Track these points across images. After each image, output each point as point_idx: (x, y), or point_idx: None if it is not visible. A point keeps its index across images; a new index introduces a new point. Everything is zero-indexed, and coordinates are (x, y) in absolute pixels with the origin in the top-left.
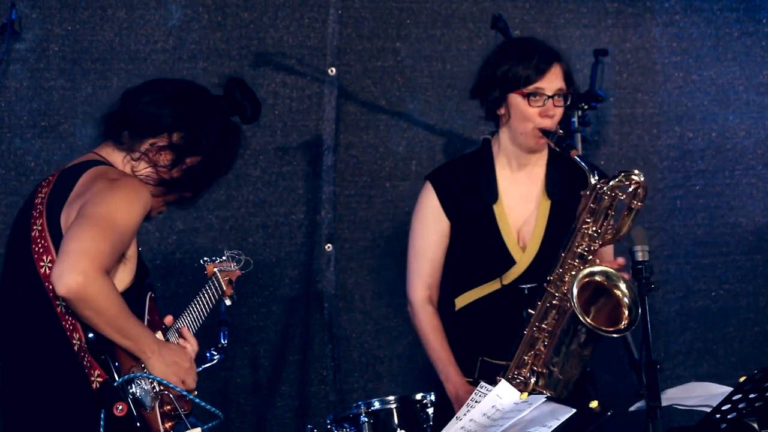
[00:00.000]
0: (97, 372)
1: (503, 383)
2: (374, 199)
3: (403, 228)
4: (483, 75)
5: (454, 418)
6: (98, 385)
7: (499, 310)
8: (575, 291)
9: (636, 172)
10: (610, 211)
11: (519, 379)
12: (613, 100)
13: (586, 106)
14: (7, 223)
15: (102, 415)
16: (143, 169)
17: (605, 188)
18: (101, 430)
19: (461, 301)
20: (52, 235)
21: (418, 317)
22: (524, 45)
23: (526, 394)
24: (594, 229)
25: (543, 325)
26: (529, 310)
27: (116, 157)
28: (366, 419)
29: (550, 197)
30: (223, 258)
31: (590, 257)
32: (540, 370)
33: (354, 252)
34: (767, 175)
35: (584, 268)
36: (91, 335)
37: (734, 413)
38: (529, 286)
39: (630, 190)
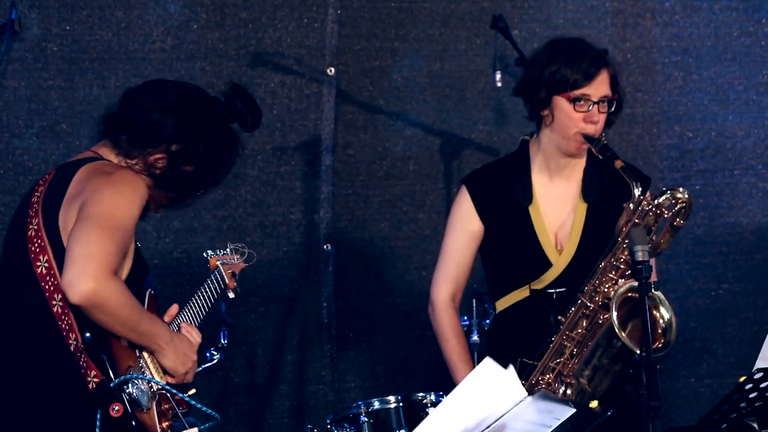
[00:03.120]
0: (93, 372)
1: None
2: (372, 198)
3: (400, 228)
4: (529, 74)
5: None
6: (94, 386)
7: (530, 314)
8: (615, 305)
9: (681, 190)
10: (653, 227)
11: (542, 384)
12: None
13: None
14: (5, 223)
15: (98, 416)
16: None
17: (652, 206)
18: (97, 430)
19: (501, 304)
20: (49, 234)
21: (438, 317)
22: (573, 46)
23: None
24: None
25: (573, 334)
26: (559, 317)
27: (112, 157)
28: (366, 419)
29: (587, 200)
30: (226, 251)
31: (629, 272)
32: (569, 380)
33: (352, 252)
34: (767, 175)
35: (626, 282)
36: (87, 335)
37: (734, 413)
38: (558, 290)
39: (676, 208)
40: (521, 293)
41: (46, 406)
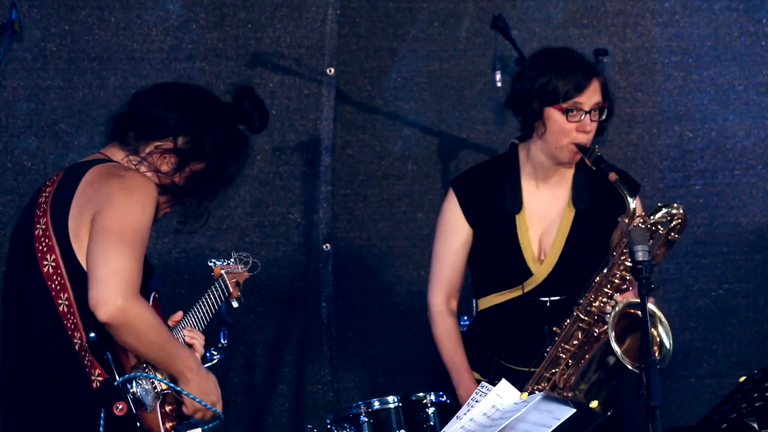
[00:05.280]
0: (97, 371)
1: (503, 383)
2: (371, 198)
3: (399, 227)
4: (520, 86)
5: (455, 417)
6: (98, 384)
7: (517, 318)
8: (613, 322)
9: (675, 205)
10: (649, 243)
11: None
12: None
13: None
14: (5, 222)
15: (102, 415)
16: (144, 173)
17: (648, 223)
18: (101, 429)
19: (483, 303)
20: (57, 234)
21: (435, 322)
22: (563, 57)
23: (525, 394)
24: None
25: (567, 346)
26: (555, 328)
27: (121, 157)
28: (366, 419)
29: (575, 206)
30: (231, 260)
31: (624, 286)
32: (565, 393)
33: (351, 251)
34: (767, 175)
35: (624, 299)
36: (92, 335)
37: (734, 413)
38: (551, 299)
39: (672, 224)
40: (505, 295)
41: (51, 404)
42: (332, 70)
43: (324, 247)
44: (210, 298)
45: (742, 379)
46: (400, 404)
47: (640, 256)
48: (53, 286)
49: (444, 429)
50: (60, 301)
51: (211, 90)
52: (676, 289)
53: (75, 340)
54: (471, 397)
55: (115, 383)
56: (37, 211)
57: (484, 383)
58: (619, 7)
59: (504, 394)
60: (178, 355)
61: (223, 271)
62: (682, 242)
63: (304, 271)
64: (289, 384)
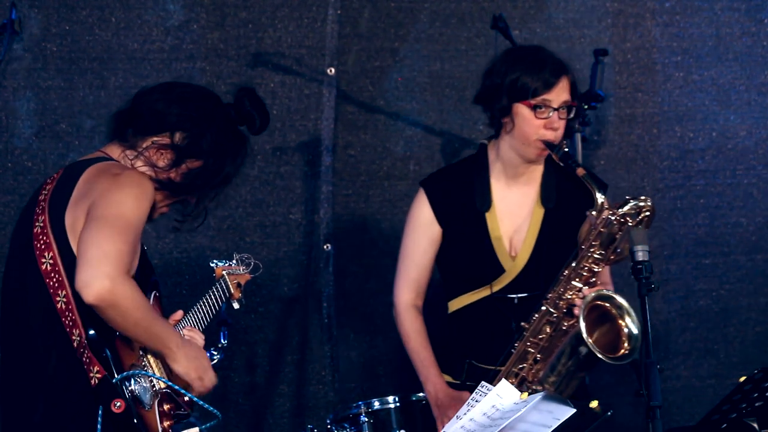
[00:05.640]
0: (96, 368)
1: (503, 383)
2: (372, 198)
3: (401, 228)
4: (489, 82)
5: (455, 417)
6: (97, 382)
7: (487, 316)
8: (584, 313)
9: (644, 198)
10: (617, 236)
11: None
12: (613, 100)
13: (586, 106)
14: (5, 222)
15: (100, 412)
16: (140, 167)
17: (617, 215)
18: (99, 426)
19: (454, 304)
20: (55, 231)
21: (401, 319)
22: (534, 55)
23: (526, 393)
24: (600, 252)
25: (536, 340)
26: (522, 324)
27: (119, 154)
28: (366, 419)
29: (545, 205)
30: (233, 261)
31: (593, 279)
32: (533, 387)
33: (352, 251)
34: None
35: (593, 291)
36: (91, 332)
37: (734, 413)
38: (519, 295)
39: (640, 216)
40: (475, 295)
41: (49, 401)
42: (333, 70)
43: (325, 247)
44: (211, 299)
45: (742, 379)
46: (400, 404)
47: (640, 256)
48: (51, 283)
49: (444, 429)
50: (58, 299)
51: (212, 90)
52: (677, 289)
53: (73, 338)
54: (471, 397)
55: (114, 381)
56: (36, 209)
57: (484, 383)
58: (619, 7)
59: (504, 394)
60: (163, 334)
61: (224, 272)
62: (683, 242)
63: (305, 272)
64: (290, 384)
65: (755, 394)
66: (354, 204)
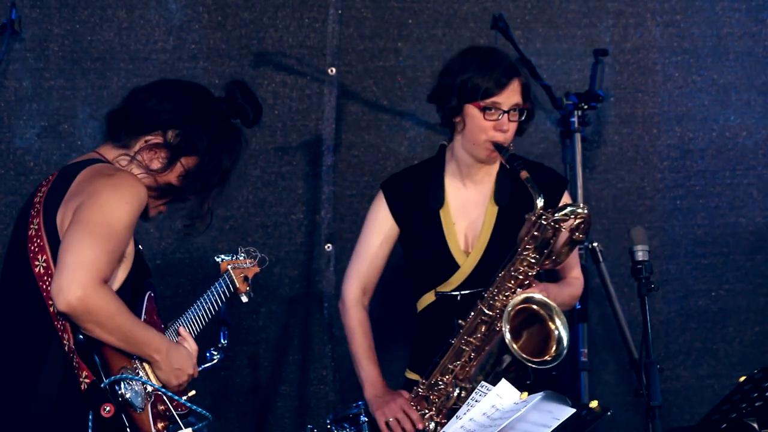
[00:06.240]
0: (84, 373)
1: (503, 383)
2: None
3: None
4: (442, 81)
5: (455, 417)
6: (86, 386)
7: (440, 315)
8: (508, 316)
9: (582, 205)
10: (552, 240)
11: (441, 384)
12: (613, 100)
13: (586, 106)
14: (6, 223)
15: (90, 417)
16: (135, 171)
17: (550, 220)
18: (89, 431)
19: (420, 304)
20: (48, 234)
21: (347, 315)
22: (486, 56)
23: (525, 393)
24: (534, 256)
25: (471, 339)
26: (460, 321)
27: (112, 155)
28: (366, 419)
29: (498, 203)
30: (239, 255)
31: (527, 282)
32: (464, 384)
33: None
34: None
35: (522, 293)
36: (80, 337)
37: (734, 413)
38: (462, 292)
39: (574, 224)
40: (432, 295)
41: (41, 406)
42: (334, 70)
43: (326, 247)
44: (214, 293)
45: (742, 379)
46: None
47: (640, 256)
48: (44, 286)
49: (444, 429)
50: (51, 302)
51: (214, 90)
52: (677, 289)
53: (65, 342)
54: (471, 397)
55: (102, 385)
56: (31, 212)
57: (483, 383)
58: (619, 7)
59: (504, 394)
60: (143, 341)
61: (229, 267)
62: (683, 243)
63: (307, 272)
64: (292, 384)
65: (755, 394)
66: (356, 204)
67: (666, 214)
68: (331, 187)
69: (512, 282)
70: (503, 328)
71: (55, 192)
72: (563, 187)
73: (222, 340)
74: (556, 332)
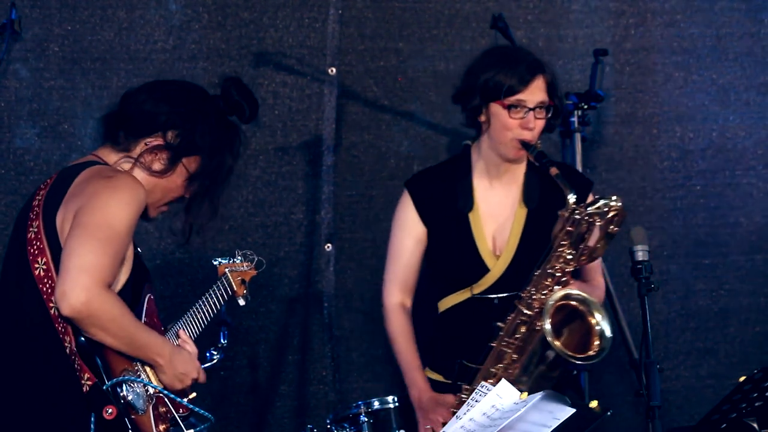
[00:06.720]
0: (86, 375)
1: (503, 383)
2: (375, 199)
3: None
4: (465, 81)
5: (454, 417)
6: (88, 389)
7: (473, 317)
8: (548, 313)
9: (614, 198)
10: (586, 236)
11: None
12: (613, 100)
13: (586, 106)
14: (6, 223)
15: (92, 419)
16: (138, 175)
17: (584, 215)
18: None
19: (442, 304)
20: (48, 236)
21: (389, 321)
22: (509, 54)
23: (526, 393)
24: (570, 251)
25: (511, 340)
26: (499, 324)
27: (113, 158)
28: (366, 419)
29: (527, 205)
30: (236, 259)
31: (564, 279)
32: None
33: (354, 252)
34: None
35: (561, 290)
36: (81, 339)
37: (734, 413)
38: (499, 296)
39: (608, 216)
40: (461, 295)
41: (42, 409)
42: (334, 70)
43: (326, 247)
44: (212, 297)
45: (742, 378)
46: (400, 404)
47: (640, 256)
48: (44, 289)
49: (444, 429)
50: (51, 304)
51: (213, 90)
52: (677, 289)
53: (66, 344)
54: (471, 397)
55: (104, 387)
56: (30, 214)
57: (483, 383)
58: (619, 8)
59: (504, 394)
60: (146, 344)
61: (227, 270)
62: (683, 242)
63: (307, 272)
64: (291, 384)
65: (755, 394)
66: (356, 204)
67: (666, 214)
68: (331, 187)
69: (549, 280)
70: (544, 326)
71: (54, 194)
72: (589, 188)
73: (222, 340)
74: (598, 327)
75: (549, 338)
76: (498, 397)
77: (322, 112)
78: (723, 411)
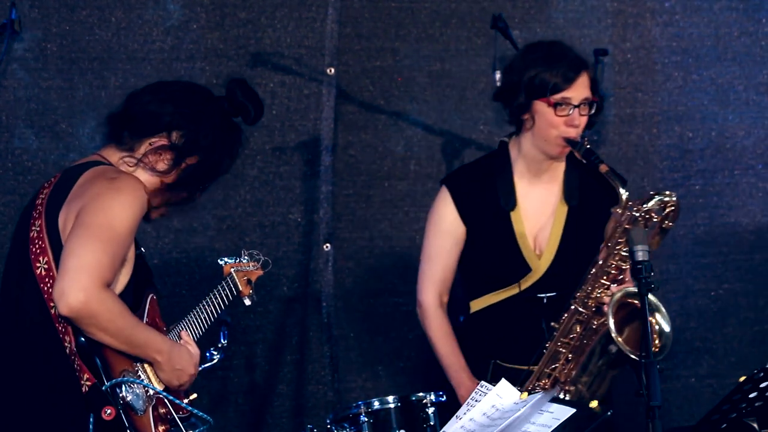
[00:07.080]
0: (86, 376)
1: (503, 383)
2: (373, 198)
3: (401, 228)
4: (508, 79)
5: (454, 417)
6: (87, 389)
7: (515, 316)
8: (612, 311)
9: (668, 193)
10: (645, 230)
11: (538, 390)
12: (613, 100)
13: None
14: (5, 222)
15: (91, 420)
16: (141, 175)
17: (641, 211)
18: None
19: (476, 304)
20: (50, 236)
21: (428, 321)
22: (552, 51)
23: (525, 393)
24: (626, 249)
25: (567, 340)
26: (553, 324)
27: (116, 158)
28: (366, 419)
29: (568, 203)
30: (242, 258)
31: (621, 276)
32: (566, 387)
33: (352, 252)
34: (767, 175)
35: (621, 288)
36: (81, 339)
37: (734, 413)
38: (548, 295)
39: (665, 212)
40: (501, 294)
41: (42, 409)
42: (332, 69)
43: (324, 247)
44: (217, 296)
45: (742, 379)
46: (400, 404)
47: (640, 256)
48: (45, 288)
49: (443, 429)
50: (52, 304)
51: (212, 90)
52: (676, 288)
53: (66, 344)
54: (471, 397)
55: (103, 388)
56: (33, 213)
57: (483, 383)
58: (619, 7)
59: (504, 394)
60: (145, 343)
61: (232, 270)
62: (683, 242)
63: (305, 272)
64: (290, 384)
65: (755, 394)
66: (354, 204)
67: None
68: (329, 186)
69: (605, 277)
70: (608, 323)
71: (57, 194)
72: (623, 185)
73: (222, 340)
74: (657, 326)
75: (613, 335)
76: (498, 397)
77: (320, 112)
78: (723, 411)
